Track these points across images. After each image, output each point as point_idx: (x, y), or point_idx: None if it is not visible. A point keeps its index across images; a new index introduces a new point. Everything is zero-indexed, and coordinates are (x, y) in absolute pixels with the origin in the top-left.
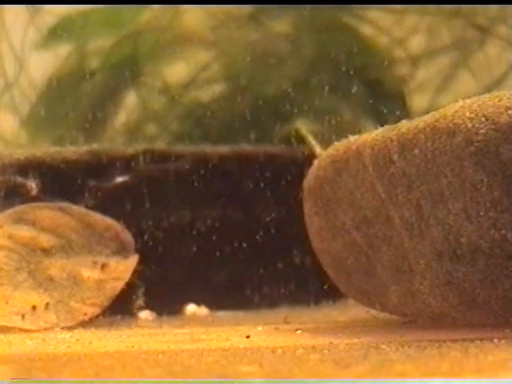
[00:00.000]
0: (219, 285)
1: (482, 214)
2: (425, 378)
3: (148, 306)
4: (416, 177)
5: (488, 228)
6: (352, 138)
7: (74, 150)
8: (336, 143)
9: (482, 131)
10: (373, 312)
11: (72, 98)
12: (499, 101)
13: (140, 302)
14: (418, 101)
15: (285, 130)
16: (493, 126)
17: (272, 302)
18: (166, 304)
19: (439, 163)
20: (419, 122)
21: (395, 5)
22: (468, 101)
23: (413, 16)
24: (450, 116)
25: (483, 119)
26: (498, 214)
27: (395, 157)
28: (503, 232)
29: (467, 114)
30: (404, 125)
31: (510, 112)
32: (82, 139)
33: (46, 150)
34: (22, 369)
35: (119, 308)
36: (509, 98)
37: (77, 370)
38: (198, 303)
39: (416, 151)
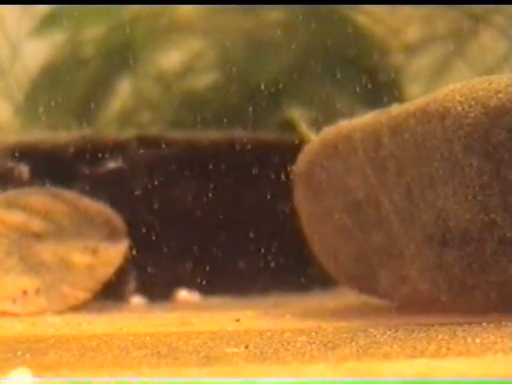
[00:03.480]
0: (211, 270)
1: (471, 197)
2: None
3: (139, 291)
4: (406, 161)
5: (477, 212)
6: (342, 123)
7: (66, 135)
8: (326, 128)
9: (471, 115)
10: (363, 297)
11: (66, 86)
12: (489, 84)
13: (131, 286)
14: (412, 90)
15: (279, 117)
16: (483, 110)
17: (264, 288)
18: (158, 289)
19: (429, 147)
20: (409, 105)
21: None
22: (458, 84)
23: (408, 6)
24: (440, 99)
25: (473, 103)
26: (487, 197)
27: (385, 140)
28: (492, 216)
29: (457, 97)
30: (394, 109)
31: (499, 95)
32: (76, 126)
33: (37, 135)
34: (8, 349)
35: (110, 293)
36: (499, 82)
37: (63, 350)
38: (190, 289)
39: (406, 135)
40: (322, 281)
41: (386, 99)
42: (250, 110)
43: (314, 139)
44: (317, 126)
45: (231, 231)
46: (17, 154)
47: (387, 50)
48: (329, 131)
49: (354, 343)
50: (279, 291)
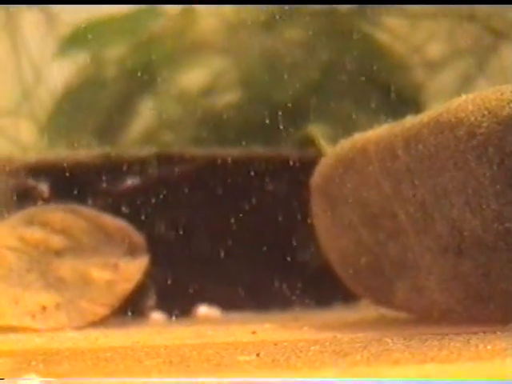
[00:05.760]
0: (231, 286)
1: (485, 207)
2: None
3: (159, 307)
4: (420, 172)
5: (491, 221)
6: (357, 136)
7: (86, 152)
8: (342, 141)
9: (484, 124)
10: (382, 310)
11: (89, 106)
12: (501, 94)
13: (151, 302)
14: (433, 107)
15: (299, 135)
16: (495, 119)
17: (284, 303)
18: (178, 305)
19: (442, 157)
20: (423, 116)
21: (404, 5)
22: (471, 95)
23: (428, 22)
24: (452, 110)
25: (486, 112)
26: (501, 206)
27: (399, 152)
28: (507, 225)
29: (470, 107)
30: (408, 120)
31: None
32: (98, 146)
33: (57, 153)
34: (24, 361)
35: (130, 309)
36: (511, 92)
37: (76, 361)
38: (210, 304)
39: (420, 146)
40: (342, 295)
41: (407, 116)
42: (272, 128)
43: (330, 152)
44: (337, 143)
45: (251, 247)
46: (37, 172)
47: (408, 67)
48: (344, 144)
49: (366, 351)
50: (299, 306)
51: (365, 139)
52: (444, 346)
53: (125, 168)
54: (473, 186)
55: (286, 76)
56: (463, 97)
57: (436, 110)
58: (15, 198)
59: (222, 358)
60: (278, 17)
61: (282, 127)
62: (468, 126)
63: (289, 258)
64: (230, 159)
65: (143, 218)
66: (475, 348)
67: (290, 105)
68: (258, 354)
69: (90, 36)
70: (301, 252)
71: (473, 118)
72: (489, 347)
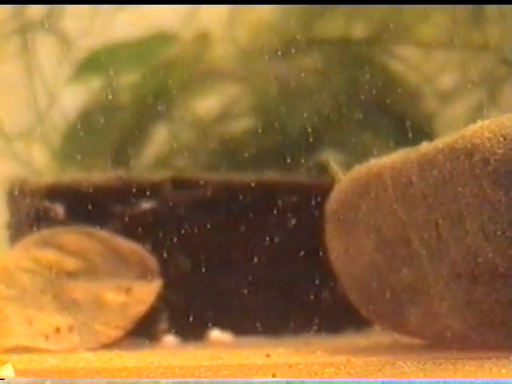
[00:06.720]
0: (243, 311)
1: (499, 233)
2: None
3: (172, 331)
4: (435, 197)
5: (506, 248)
6: (373, 161)
7: (101, 176)
8: (357, 166)
9: (499, 151)
10: (395, 336)
11: (102, 131)
12: None
13: (164, 326)
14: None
15: (313, 163)
16: (510, 146)
17: (296, 329)
18: (190, 329)
19: (457, 183)
20: (438, 142)
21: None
22: (486, 121)
23: (441, 52)
24: (468, 136)
25: (501, 139)
26: None
27: (414, 178)
28: None
29: (485, 134)
30: (424, 146)
31: None
32: (111, 171)
33: (72, 175)
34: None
35: (143, 332)
36: None
37: (92, 379)
38: (222, 329)
39: (435, 172)
40: (355, 321)
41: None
42: (286, 156)
43: (345, 177)
44: (350, 170)
45: (263, 272)
46: (52, 194)
47: (421, 97)
48: (359, 170)
49: (380, 373)
50: (312, 332)
51: (380, 165)
52: (459, 370)
53: (139, 191)
54: (488, 213)
55: (300, 103)
56: (479, 123)
57: (451, 136)
58: (30, 220)
59: (237, 378)
60: (292, 46)
61: (295, 154)
62: (483, 153)
63: (301, 283)
64: (243, 185)
65: (157, 241)
66: (489, 371)
67: (303, 132)
68: (273, 375)
69: (104, 61)
70: (315, 277)
71: (488, 145)
72: (503, 371)
